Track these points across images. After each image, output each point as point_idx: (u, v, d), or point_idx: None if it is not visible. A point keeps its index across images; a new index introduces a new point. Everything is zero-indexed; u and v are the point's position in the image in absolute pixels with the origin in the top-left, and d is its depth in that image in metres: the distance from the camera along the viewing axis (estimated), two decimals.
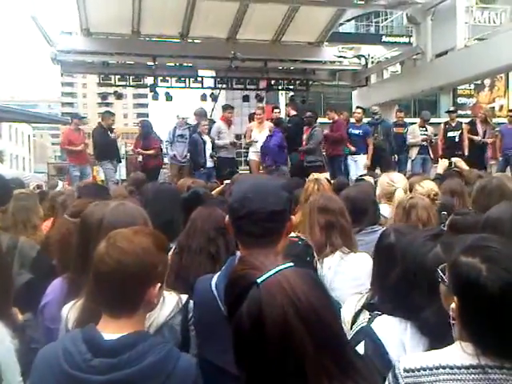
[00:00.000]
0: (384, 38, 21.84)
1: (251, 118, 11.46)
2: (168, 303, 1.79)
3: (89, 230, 1.87)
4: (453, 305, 1.35)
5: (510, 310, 1.26)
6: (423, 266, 1.66)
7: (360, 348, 1.73)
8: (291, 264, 1.04)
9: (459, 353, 1.32)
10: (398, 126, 11.25)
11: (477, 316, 1.30)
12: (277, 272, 1.00)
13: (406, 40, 20.59)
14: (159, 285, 1.55)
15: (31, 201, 3.95)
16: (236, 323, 1.02)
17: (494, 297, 1.26)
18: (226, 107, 11.11)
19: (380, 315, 1.80)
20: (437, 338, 1.58)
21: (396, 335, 1.70)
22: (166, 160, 11.35)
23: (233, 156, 10.88)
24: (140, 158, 10.85)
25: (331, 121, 10.82)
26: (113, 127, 10.91)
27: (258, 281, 0.99)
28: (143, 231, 1.61)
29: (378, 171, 9.38)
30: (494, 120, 13.95)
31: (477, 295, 1.29)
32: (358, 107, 11.32)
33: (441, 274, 1.42)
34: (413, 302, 1.66)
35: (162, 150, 10.70)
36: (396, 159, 11.15)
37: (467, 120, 12.02)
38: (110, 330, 1.48)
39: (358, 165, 10.42)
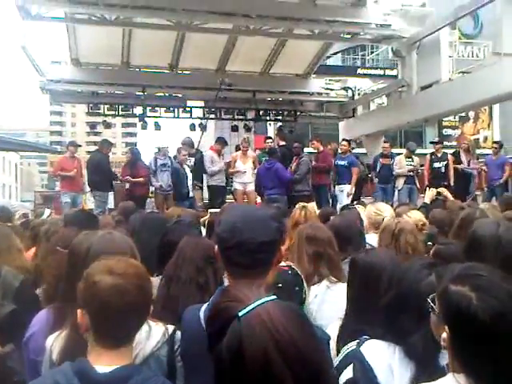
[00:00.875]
0: (359, 71, 22.26)
1: (238, 149, 11.57)
2: (154, 334, 1.76)
3: (77, 260, 1.85)
4: (444, 334, 1.33)
5: (501, 339, 1.25)
6: (417, 292, 1.66)
7: (348, 371, 1.72)
8: (274, 297, 1.03)
9: None
10: (385, 157, 11.38)
11: (468, 345, 1.28)
12: (259, 305, 1.00)
13: (381, 72, 21.11)
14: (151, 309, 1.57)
15: (8, 229, 3.93)
16: (217, 357, 1.01)
17: (484, 325, 1.25)
18: (221, 141, 11.13)
19: (368, 339, 1.79)
20: (423, 363, 1.58)
21: (384, 359, 1.69)
22: (152, 189, 11.33)
23: (224, 185, 10.97)
24: (127, 186, 10.77)
25: (316, 151, 10.96)
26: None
27: (240, 314, 0.98)
28: (131, 261, 1.60)
29: None
30: (479, 151, 14.18)
31: (467, 324, 1.28)
32: (343, 139, 11.56)
33: (431, 303, 1.42)
34: (402, 326, 1.67)
35: (150, 178, 10.71)
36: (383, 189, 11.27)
37: (452, 151, 12.20)
38: (103, 363, 1.45)
39: (344, 194, 10.52)
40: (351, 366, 1.72)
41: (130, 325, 1.50)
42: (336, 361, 1.82)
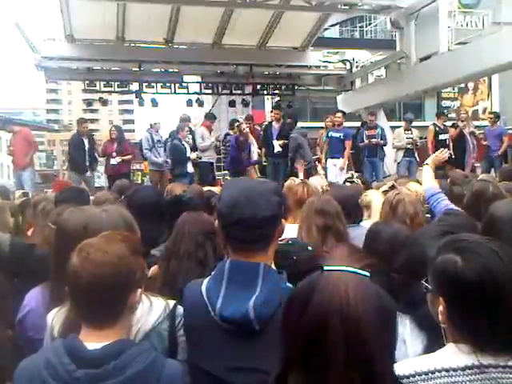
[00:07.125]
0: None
1: (231, 125, 11.54)
2: (155, 309, 1.76)
3: (66, 237, 1.83)
4: (440, 307, 1.33)
5: (491, 295, 1.26)
6: (427, 259, 1.63)
7: None
8: (365, 273, 1.02)
9: (454, 354, 1.31)
10: (370, 129, 11.00)
11: (463, 309, 1.29)
12: (345, 271, 1.01)
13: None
14: (139, 291, 1.53)
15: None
16: (290, 297, 1.06)
17: (474, 284, 1.27)
18: (210, 116, 11.28)
19: None
20: (435, 335, 1.55)
21: None
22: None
23: (213, 161, 11.07)
24: (114, 162, 10.49)
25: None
26: (92, 134, 10.71)
27: (325, 268, 1.01)
28: (116, 237, 1.56)
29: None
30: (478, 123, 14.11)
31: (458, 287, 1.29)
32: (338, 111, 11.32)
33: (425, 284, 1.41)
34: (412, 295, 1.64)
35: (145, 155, 10.68)
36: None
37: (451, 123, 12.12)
38: (93, 340, 1.44)
39: (337, 168, 10.37)
40: None
41: (104, 306, 1.46)
42: None
